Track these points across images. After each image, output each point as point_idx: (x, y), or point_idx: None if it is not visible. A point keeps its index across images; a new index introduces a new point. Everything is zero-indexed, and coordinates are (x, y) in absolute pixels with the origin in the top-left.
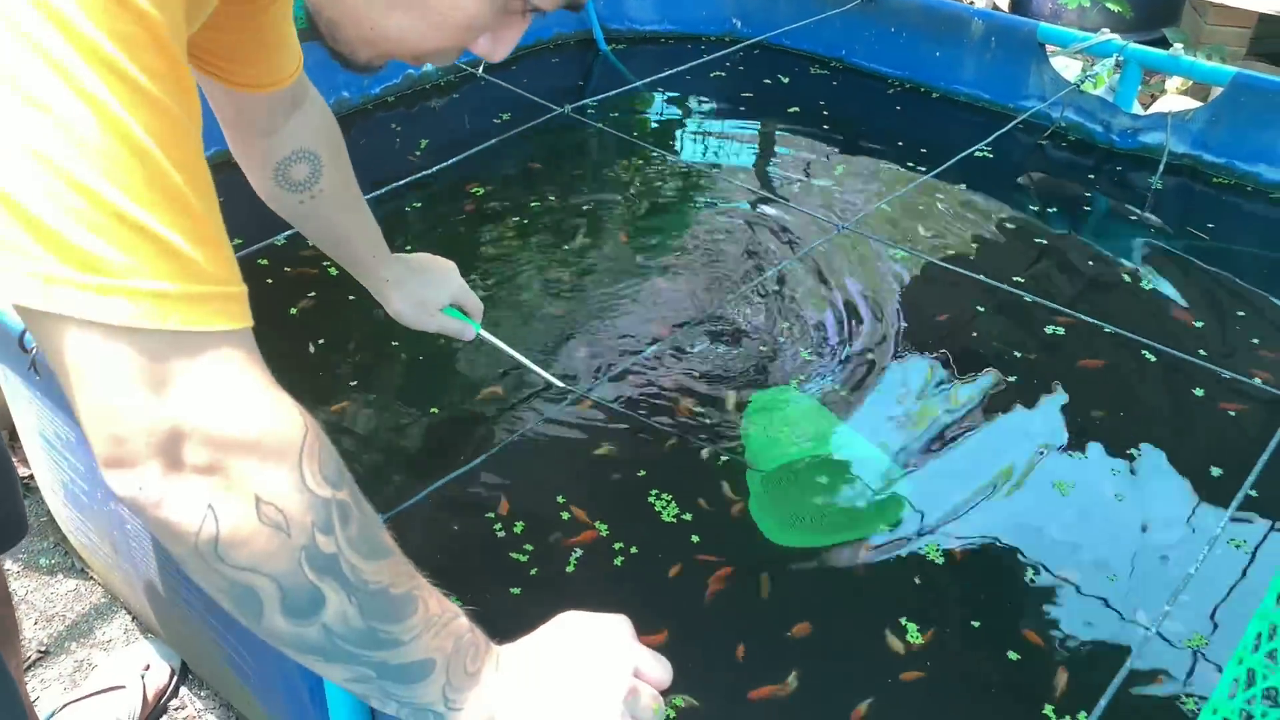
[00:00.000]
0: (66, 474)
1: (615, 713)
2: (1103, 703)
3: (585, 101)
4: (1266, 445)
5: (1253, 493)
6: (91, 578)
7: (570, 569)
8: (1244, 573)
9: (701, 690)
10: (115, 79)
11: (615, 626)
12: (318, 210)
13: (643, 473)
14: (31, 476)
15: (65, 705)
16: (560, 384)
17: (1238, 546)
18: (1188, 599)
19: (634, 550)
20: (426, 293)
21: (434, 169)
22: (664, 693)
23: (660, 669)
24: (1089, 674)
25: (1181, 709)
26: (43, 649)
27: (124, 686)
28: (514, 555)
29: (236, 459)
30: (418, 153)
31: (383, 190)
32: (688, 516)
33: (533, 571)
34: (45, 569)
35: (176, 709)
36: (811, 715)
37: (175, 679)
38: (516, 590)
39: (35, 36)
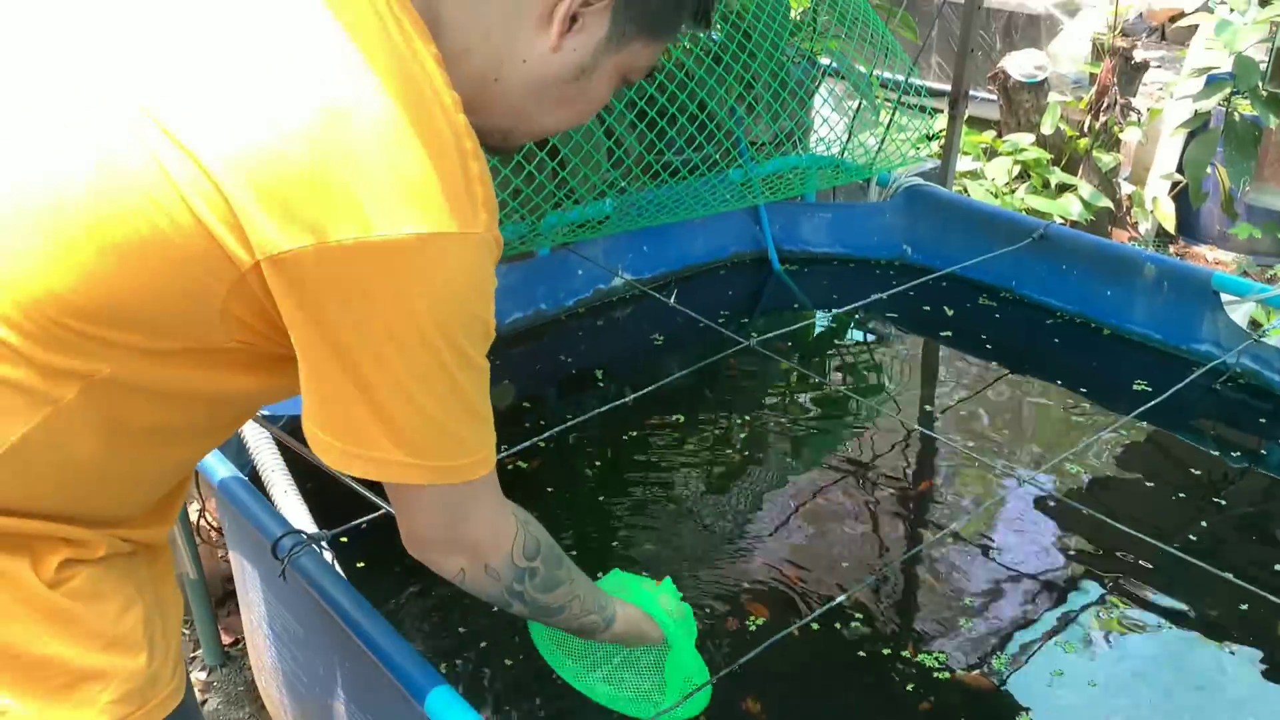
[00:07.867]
0: (289, 664)
1: None
2: None
3: (770, 335)
4: None
5: None
6: None
7: None
8: None
9: None
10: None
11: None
12: None
13: None
14: (235, 642)
15: None
16: None
17: None
18: None
19: None
20: None
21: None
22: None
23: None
24: None
25: None
26: None
27: None
28: None
29: (484, 549)
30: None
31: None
32: None
33: None
34: None
35: None
36: None
37: None
38: None
39: (439, 352)
